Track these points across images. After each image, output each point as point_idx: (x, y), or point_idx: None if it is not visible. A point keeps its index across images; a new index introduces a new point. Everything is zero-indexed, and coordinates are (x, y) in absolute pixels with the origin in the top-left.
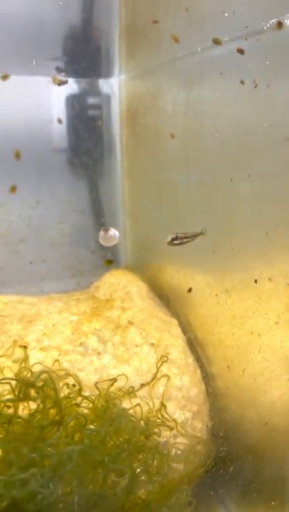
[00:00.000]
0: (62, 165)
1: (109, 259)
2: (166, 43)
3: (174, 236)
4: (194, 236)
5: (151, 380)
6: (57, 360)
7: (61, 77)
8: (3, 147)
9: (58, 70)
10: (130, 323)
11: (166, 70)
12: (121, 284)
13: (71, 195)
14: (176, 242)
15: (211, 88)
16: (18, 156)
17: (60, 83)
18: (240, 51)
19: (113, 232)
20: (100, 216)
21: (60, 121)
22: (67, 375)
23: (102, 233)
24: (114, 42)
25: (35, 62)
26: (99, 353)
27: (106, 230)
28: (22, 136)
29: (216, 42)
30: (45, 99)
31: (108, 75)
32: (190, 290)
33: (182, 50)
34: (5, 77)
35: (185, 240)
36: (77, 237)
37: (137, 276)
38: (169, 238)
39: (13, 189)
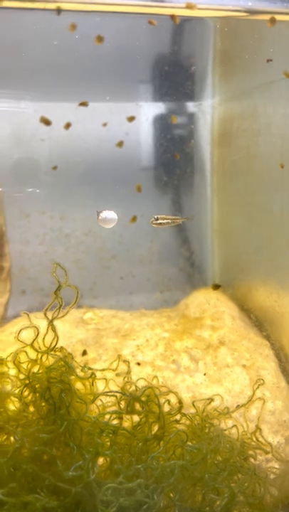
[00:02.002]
0: (152, 184)
1: (217, 284)
2: (264, 67)
3: (155, 217)
4: (175, 219)
5: (247, 402)
6: (155, 377)
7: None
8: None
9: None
10: (221, 343)
11: (261, 93)
12: (211, 303)
13: (160, 214)
14: (156, 222)
15: None
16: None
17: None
18: None
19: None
20: (188, 235)
21: (150, 140)
22: (169, 392)
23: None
24: (207, 65)
25: (130, 88)
26: (191, 372)
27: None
28: (113, 155)
29: None
30: (137, 120)
31: (201, 97)
32: None
33: (280, 74)
34: (132, 119)
35: (165, 222)
36: (165, 254)
37: (226, 295)
38: (152, 218)
39: (134, 219)
